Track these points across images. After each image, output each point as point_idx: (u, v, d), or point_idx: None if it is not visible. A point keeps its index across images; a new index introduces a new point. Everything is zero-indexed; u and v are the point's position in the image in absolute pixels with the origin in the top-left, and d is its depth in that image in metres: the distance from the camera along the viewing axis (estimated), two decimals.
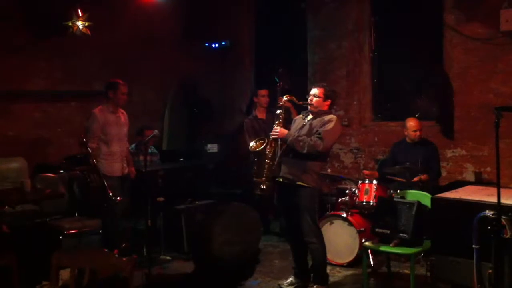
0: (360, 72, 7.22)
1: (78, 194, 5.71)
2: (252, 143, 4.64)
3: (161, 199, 5.56)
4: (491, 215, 3.43)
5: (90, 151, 4.86)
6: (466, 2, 6.26)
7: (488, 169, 6.20)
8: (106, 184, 4.79)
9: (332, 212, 5.51)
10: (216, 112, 8.27)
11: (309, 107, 4.58)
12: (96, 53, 6.75)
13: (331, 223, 5.33)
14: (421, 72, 6.94)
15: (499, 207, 3.35)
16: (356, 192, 5.29)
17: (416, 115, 6.13)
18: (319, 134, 4.37)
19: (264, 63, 8.17)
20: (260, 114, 6.34)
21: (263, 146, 4.48)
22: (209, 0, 8.00)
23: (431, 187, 5.28)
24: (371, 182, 5.22)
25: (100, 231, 5.32)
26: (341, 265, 5.24)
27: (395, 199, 4.55)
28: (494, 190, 3.45)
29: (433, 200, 4.10)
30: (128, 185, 5.47)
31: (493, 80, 6.14)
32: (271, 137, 4.45)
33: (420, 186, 5.26)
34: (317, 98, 4.53)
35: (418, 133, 5.71)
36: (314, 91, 4.56)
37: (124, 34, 6.88)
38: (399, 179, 5.51)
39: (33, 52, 6.29)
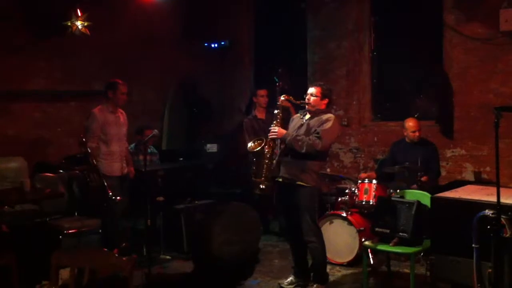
0: (360, 72, 7.23)
1: (77, 193, 5.71)
2: (250, 144, 4.64)
3: (161, 198, 5.56)
4: (490, 215, 3.43)
5: (89, 151, 4.86)
6: (466, 2, 6.27)
7: (488, 168, 6.20)
8: (105, 184, 4.79)
9: (331, 212, 5.51)
10: (215, 112, 8.27)
11: (306, 106, 4.59)
12: (96, 53, 6.75)
13: (331, 222, 5.33)
14: (421, 72, 6.95)
15: (498, 207, 3.35)
16: (356, 191, 5.30)
17: (415, 115, 6.13)
18: (318, 133, 4.37)
19: (264, 62, 8.16)
20: (260, 114, 6.34)
21: (261, 147, 4.48)
22: None
23: (431, 186, 5.28)
24: (370, 182, 5.23)
25: (100, 231, 5.32)
26: (341, 264, 5.24)
27: (394, 199, 4.56)
28: (493, 189, 3.46)
29: (432, 200, 4.10)
30: (127, 184, 5.48)
31: (493, 80, 6.15)
32: (269, 137, 4.46)
33: (420, 186, 5.27)
34: (315, 97, 4.53)
35: (417, 133, 5.71)
36: (311, 90, 4.57)
37: (124, 33, 6.88)
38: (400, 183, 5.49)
39: (33, 52, 6.29)
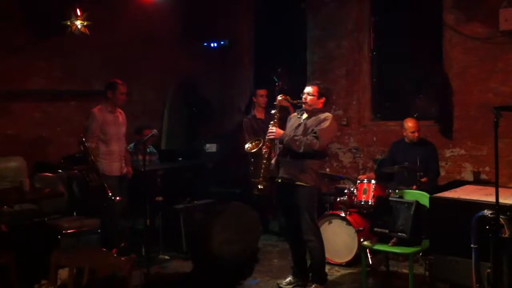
0: (360, 72, 7.22)
1: (77, 193, 5.71)
2: (247, 145, 4.64)
3: (160, 198, 5.56)
4: (489, 215, 3.43)
5: (89, 150, 4.86)
6: (465, 2, 6.27)
7: (487, 168, 6.20)
8: (105, 183, 4.79)
9: (330, 212, 5.50)
10: (215, 112, 8.27)
11: (303, 105, 4.58)
12: (96, 52, 6.75)
13: (330, 222, 5.33)
14: (421, 71, 6.94)
15: (497, 207, 3.35)
16: (355, 191, 5.30)
17: (415, 115, 6.13)
18: (315, 133, 4.37)
19: (264, 62, 8.16)
20: (259, 114, 6.35)
21: (258, 147, 4.48)
22: None
23: (430, 186, 5.28)
24: (369, 182, 5.23)
25: (99, 231, 5.32)
26: (339, 264, 5.24)
27: (393, 199, 4.56)
28: (492, 189, 3.45)
29: (431, 200, 4.10)
30: (126, 184, 5.48)
31: (492, 80, 6.14)
32: (267, 137, 4.45)
33: (419, 187, 5.26)
34: (311, 96, 4.53)
35: (416, 134, 5.70)
36: (308, 89, 4.57)
37: (124, 33, 6.88)
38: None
39: (33, 52, 6.29)
